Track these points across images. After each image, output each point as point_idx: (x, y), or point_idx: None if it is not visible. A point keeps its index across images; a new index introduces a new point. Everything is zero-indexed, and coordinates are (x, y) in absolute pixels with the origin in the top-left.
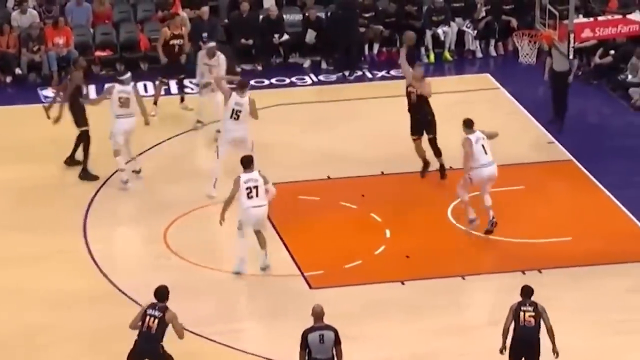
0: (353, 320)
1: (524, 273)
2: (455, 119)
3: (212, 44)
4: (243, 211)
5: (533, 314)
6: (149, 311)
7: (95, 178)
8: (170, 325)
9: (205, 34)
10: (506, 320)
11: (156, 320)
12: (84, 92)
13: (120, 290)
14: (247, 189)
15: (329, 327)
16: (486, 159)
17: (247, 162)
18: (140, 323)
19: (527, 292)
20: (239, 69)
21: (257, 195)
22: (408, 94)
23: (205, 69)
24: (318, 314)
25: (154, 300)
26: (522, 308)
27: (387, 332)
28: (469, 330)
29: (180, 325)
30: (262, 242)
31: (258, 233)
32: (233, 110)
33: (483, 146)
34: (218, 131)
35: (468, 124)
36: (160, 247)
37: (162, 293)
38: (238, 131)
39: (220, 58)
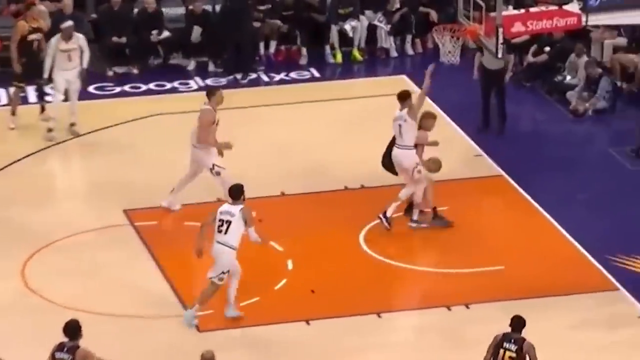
0: None
1: (449, 309)
2: (366, 128)
3: (69, 23)
4: None
5: (514, 355)
6: (57, 355)
7: None
8: None
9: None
10: (486, 354)
11: None
12: None
13: None
14: (219, 220)
15: None
16: (397, 141)
17: (234, 193)
18: None
19: (517, 324)
20: (110, 73)
21: (225, 233)
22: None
23: (63, 57)
24: None
25: (64, 339)
26: (505, 345)
27: None
28: None
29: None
30: (201, 295)
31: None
32: None
33: (400, 126)
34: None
35: (400, 96)
36: (17, 284)
37: (72, 329)
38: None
39: (80, 39)
